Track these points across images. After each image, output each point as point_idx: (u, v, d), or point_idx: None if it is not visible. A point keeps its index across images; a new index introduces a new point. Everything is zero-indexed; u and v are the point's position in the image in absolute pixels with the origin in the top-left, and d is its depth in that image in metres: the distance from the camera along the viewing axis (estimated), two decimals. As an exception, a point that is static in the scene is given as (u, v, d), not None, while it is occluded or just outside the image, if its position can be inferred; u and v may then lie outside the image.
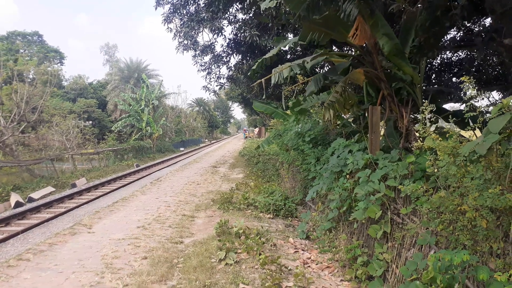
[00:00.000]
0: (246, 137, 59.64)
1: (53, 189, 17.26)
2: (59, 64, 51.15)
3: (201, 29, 15.83)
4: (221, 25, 15.18)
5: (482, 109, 3.75)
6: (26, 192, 16.68)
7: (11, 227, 10.59)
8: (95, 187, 17.38)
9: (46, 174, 21.58)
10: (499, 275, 2.78)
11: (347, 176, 6.20)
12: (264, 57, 7.34)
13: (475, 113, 3.65)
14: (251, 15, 13.73)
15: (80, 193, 15.80)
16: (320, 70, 13.57)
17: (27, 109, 24.04)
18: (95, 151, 28.49)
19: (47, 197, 15.38)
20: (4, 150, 22.55)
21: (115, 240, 7.13)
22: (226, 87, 22.90)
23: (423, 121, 4.61)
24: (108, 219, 8.99)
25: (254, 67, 7.68)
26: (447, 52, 10.77)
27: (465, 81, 3.82)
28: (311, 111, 10.00)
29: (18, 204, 13.58)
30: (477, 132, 5.67)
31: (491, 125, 3.09)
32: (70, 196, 14.89)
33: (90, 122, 40.52)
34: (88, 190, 16.50)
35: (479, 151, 3.09)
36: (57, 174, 21.82)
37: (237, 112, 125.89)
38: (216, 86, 19.63)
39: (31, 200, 14.71)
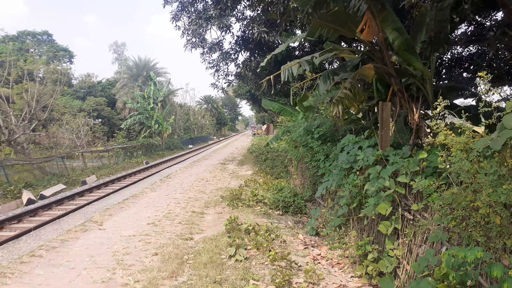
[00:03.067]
0: (255, 134, 59.49)
1: (64, 187, 17.44)
2: (68, 63, 51.58)
3: (209, 26, 15.81)
4: (229, 23, 15.16)
5: (495, 104, 3.69)
6: (37, 189, 16.87)
7: (23, 224, 10.73)
8: (105, 184, 17.52)
9: (57, 172, 21.78)
10: (514, 272, 2.75)
11: (357, 172, 6.17)
12: (273, 53, 7.32)
13: (489, 109, 3.60)
14: (259, 11, 13.69)
15: (90, 190, 15.94)
16: (329, 66, 13.51)
17: (37, 108, 24.30)
18: (105, 149, 28.72)
19: (58, 195, 15.55)
20: (15, 148, 22.84)
21: (125, 236, 7.20)
22: (234, 84, 22.84)
23: (435, 117, 4.56)
24: (119, 216, 9.07)
25: (263, 64, 7.67)
26: (458, 47, 10.63)
27: (482, 76, 3.74)
28: (320, 107, 9.96)
29: (30, 201, 13.76)
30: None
31: (506, 121, 3.04)
32: (81, 194, 15.04)
33: (100, 120, 40.87)
34: (98, 187, 16.65)
35: (494, 147, 3.04)
36: (68, 172, 22.04)
37: (245, 109, 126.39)
38: (224, 83, 19.62)
39: (42, 197, 14.89)
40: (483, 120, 4.44)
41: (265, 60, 7.66)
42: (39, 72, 32.73)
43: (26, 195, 14.43)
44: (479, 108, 3.75)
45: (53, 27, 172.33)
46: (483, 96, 3.88)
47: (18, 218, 11.13)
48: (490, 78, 3.68)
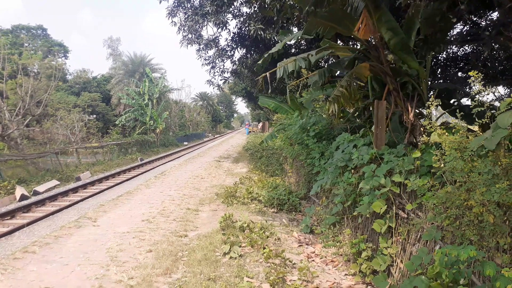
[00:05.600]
0: (250, 131, 58.73)
1: (58, 183, 17.35)
2: (63, 58, 51.10)
3: (205, 23, 15.76)
4: (226, 19, 15.10)
5: (489, 103, 3.71)
6: (31, 185, 16.76)
7: (16, 220, 10.67)
8: (100, 180, 17.45)
9: (51, 168, 21.62)
10: (506, 271, 2.76)
11: (352, 170, 6.18)
12: (270, 51, 7.30)
13: (482, 108, 3.61)
14: (255, 8, 13.64)
15: (84, 186, 15.88)
16: (325, 64, 13.50)
17: (31, 103, 24.09)
18: (99, 145, 28.56)
19: (52, 190, 15.47)
20: (9, 144, 22.65)
21: (120, 233, 7.17)
22: (230, 81, 22.81)
23: (429, 116, 4.58)
24: (113, 212, 9.04)
25: (260, 62, 7.65)
26: (453, 47, 10.67)
27: (473, 76, 3.77)
28: (315, 105, 9.97)
29: (23, 197, 13.67)
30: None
31: (500, 120, 3.06)
32: (75, 190, 14.97)
33: (94, 116, 40.56)
34: (92, 183, 16.58)
35: (488, 146, 3.06)
36: (62, 168, 21.89)
37: (241, 106, 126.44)
38: (220, 80, 19.60)
39: (36, 193, 14.80)
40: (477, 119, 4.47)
41: (263, 58, 7.64)
42: (34, 67, 32.43)
43: (20, 190, 14.33)
44: (471, 107, 3.77)
45: (47, 21, 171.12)
46: (477, 96, 3.90)
47: (11, 214, 11.07)
48: (485, 78, 3.69)
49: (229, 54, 17.59)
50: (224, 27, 15.53)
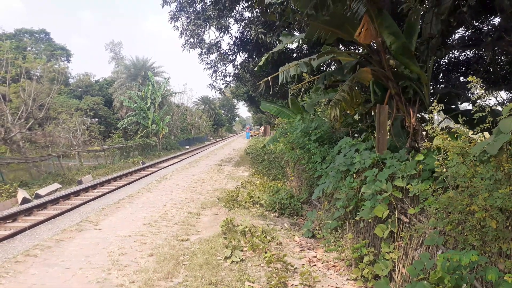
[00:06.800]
0: (251, 135, 58.38)
1: (60, 186, 17.37)
2: (65, 62, 51.29)
3: (207, 27, 15.85)
4: (228, 23, 15.17)
5: (490, 108, 3.70)
6: (33, 188, 16.79)
7: (18, 223, 10.67)
8: (101, 184, 17.45)
9: (53, 171, 21.69)
10: (509, 276, 2.75)
11: (354, 175, 6.17)
12: (271, 51, 7.33)
13: (484, 113, 3.61)
14: (257, 13, 13.70)
15: (86, 190, 15.87)
16: (326, 69, 13.53)
17: (34, 106, 24.21)
18: (101, 148, 28.63)
19: (54, 194, 15.47)
20: (11, 147, 22.73)
21: (121, 237, 7.17)
22: (232, 85, 22.86)
23: (431, 121, 4.58)
24: (115, 216, 9.04)
25: (260, 63, 7.68)
26: (455, 52, 10.68)
27: (472, 81, 3.77)
28: (317, 110, 9.97)
29: (25, 200, 13.68)
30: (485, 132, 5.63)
31: (502, 125, 3.05)
32: (77, 193, 14.96)
33: (96, 119, 40.69)
34: (94, 187, 16.58)
35: (490, 151, 3.05)
36: (64, 171, 21.95)
37: (243, 110, 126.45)
38: (222, 84, 19.64)
39: (38, 196, 14.81)
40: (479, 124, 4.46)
41: (263, 58, 7.66)
42: (37, 70, 32.57)
43: (21, 194, 14.34)
44: (472, 112, 3.77)
45: (48, 22, 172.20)
46: (478, 101, 3.90)
47: (13, 217, 11.07)
48: (486, 82, 3.70)
49: (231, 58, 17.66)
50: (226, 32, 15.61)
